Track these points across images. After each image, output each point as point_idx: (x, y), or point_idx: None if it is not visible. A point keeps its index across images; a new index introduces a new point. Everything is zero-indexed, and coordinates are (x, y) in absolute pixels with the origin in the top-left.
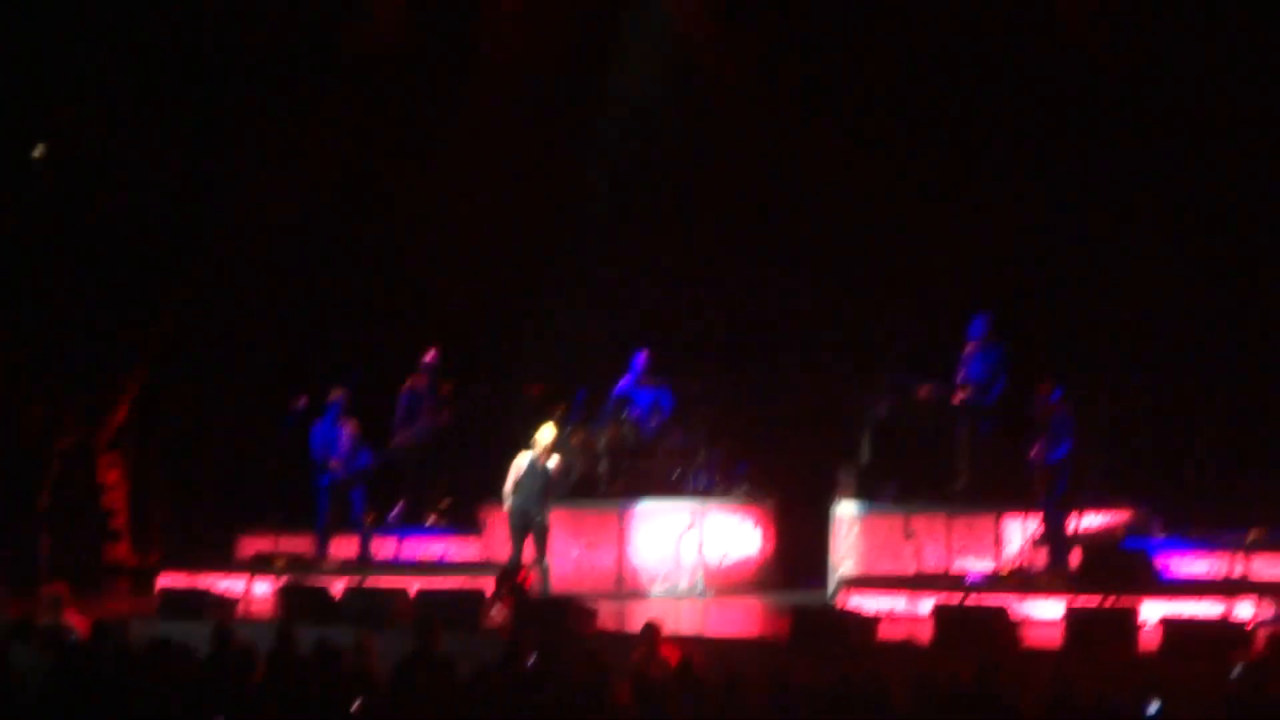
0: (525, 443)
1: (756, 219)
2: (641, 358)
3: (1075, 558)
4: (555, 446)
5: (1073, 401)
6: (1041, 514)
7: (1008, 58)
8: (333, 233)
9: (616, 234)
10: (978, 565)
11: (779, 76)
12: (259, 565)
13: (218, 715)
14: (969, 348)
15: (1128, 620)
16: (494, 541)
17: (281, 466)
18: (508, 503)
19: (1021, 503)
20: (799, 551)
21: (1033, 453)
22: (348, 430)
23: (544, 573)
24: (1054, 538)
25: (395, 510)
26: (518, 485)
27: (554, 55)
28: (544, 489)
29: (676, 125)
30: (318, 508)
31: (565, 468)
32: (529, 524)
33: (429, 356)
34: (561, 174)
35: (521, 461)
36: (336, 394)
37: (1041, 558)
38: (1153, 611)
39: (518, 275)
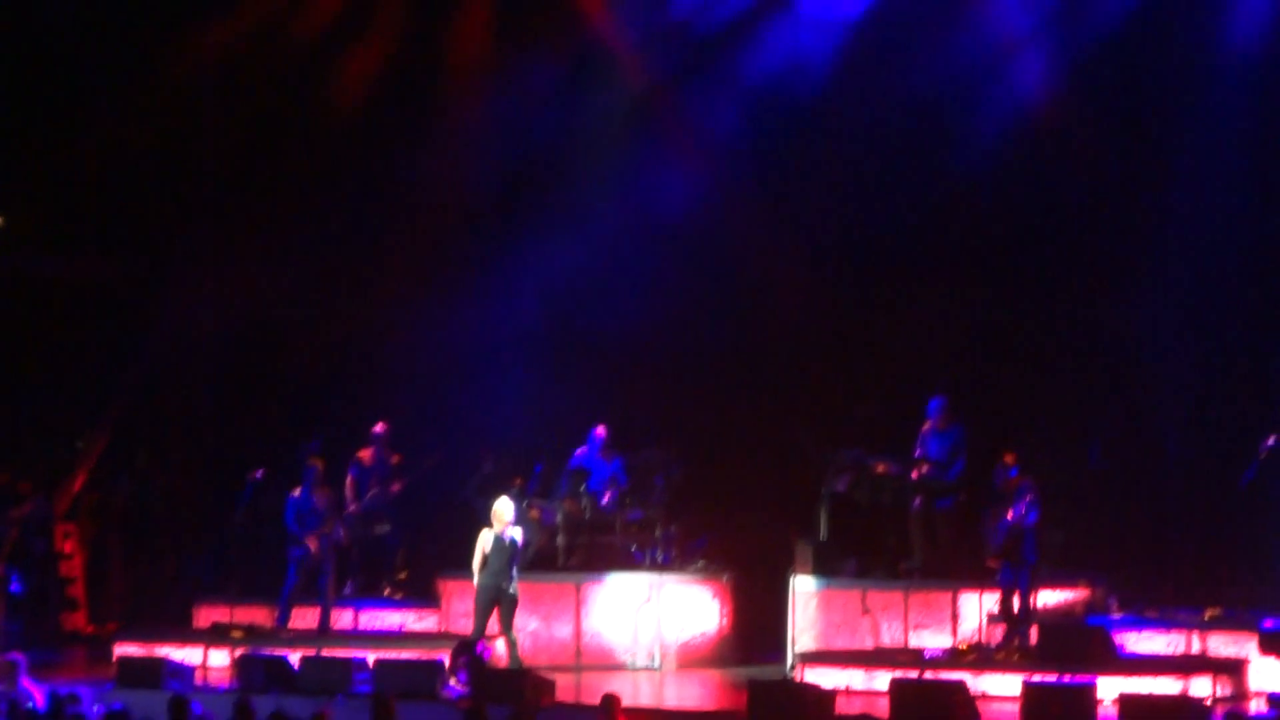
0: (482, 515)
1: (718, 295)
2: (599, 431)
3: (1033, 634)
4: (516, 518)
5: (1032, 475)
6: (1001, 590)
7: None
8: (289, 306)
9: (574, 307)
10: (935, 641)
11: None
12: (216, 635)
13: None
14: (927, 426)
15: (1085, 696)
16: (452, 613)
17: (238, 537)
18: (477, 579)
19: (978, 579)
20: (756, 626)
21: (1010, 515)
22: (323, 501)
23: (513, 644)
24: (1016, 612)
25: (347, 587)
26: (486, 562)
27: (506, 164)
28: (511, 561)
29: (636, 203)
30: (286, 577)
31: (524, 541)
32: (498, 598)
33: (377, 428)
34: (522, 250)
35: (486, 539)
36: (313, 463)
37: (1000, 633)
38: (1110, 688)
39: (475, 347)
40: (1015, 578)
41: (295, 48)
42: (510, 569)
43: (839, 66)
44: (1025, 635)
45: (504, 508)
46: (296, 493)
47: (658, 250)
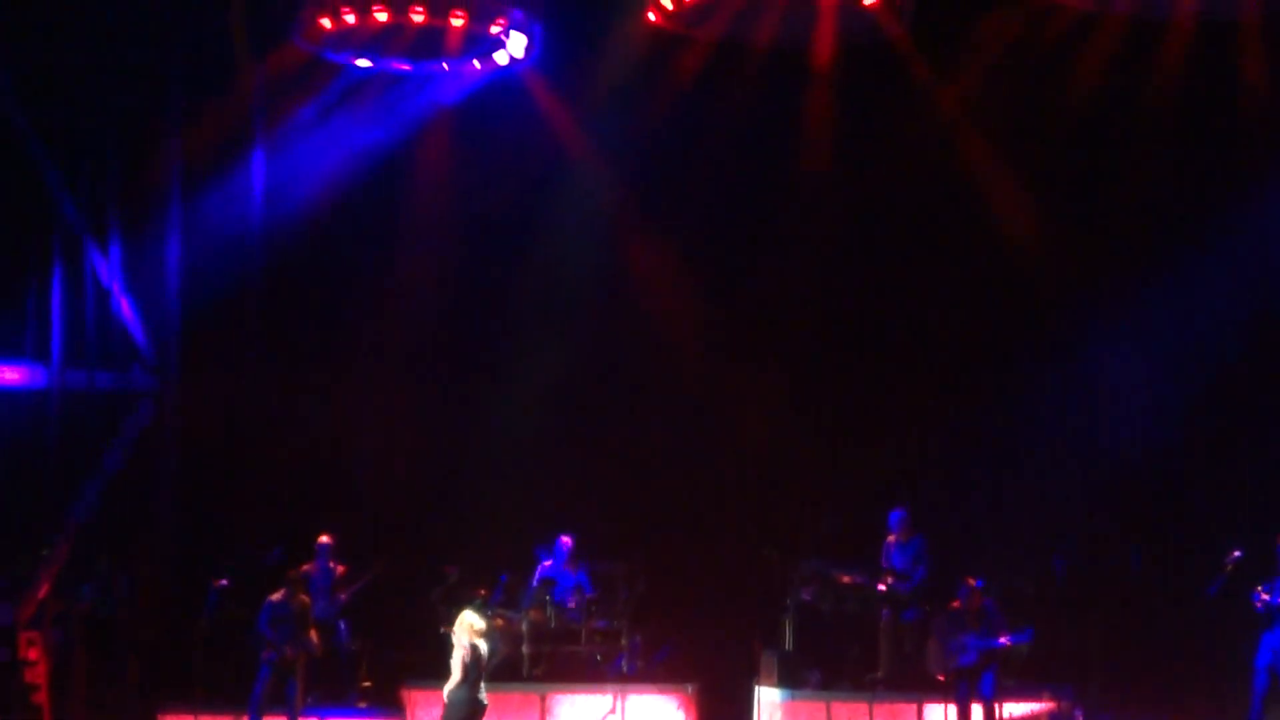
0: (445, 622)
1: (681, 406)
2: (565, 541)
3: None
4: (489, 631)
5: (995, 591)
6: (957, 704)
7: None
8: (254, 412)
9: (539, 414)
10: None
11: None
12: None
13: None
14: (890, 538)
15: None
16: None
17: (202, 644)
18: (452, 692)
19: (943, 690)
20: None
21: (981, 638)
22: (300, 608)
23: None
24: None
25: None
26: (466, 675)
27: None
28: (481, 674)
29: (598, 299)
30: (256, 680)
31: (489, 651)
32: (474, 712)
33: (322, 539)
34: (480, 352)
35: (465, 654)
36: (293, 573)
37: None
38: None
39: (439, 456)
40: (970, 695)
41: None
42: (481, 679)
43: None
44: None
45: (476, 620)
46: (277, 597)
47: (623, 360)
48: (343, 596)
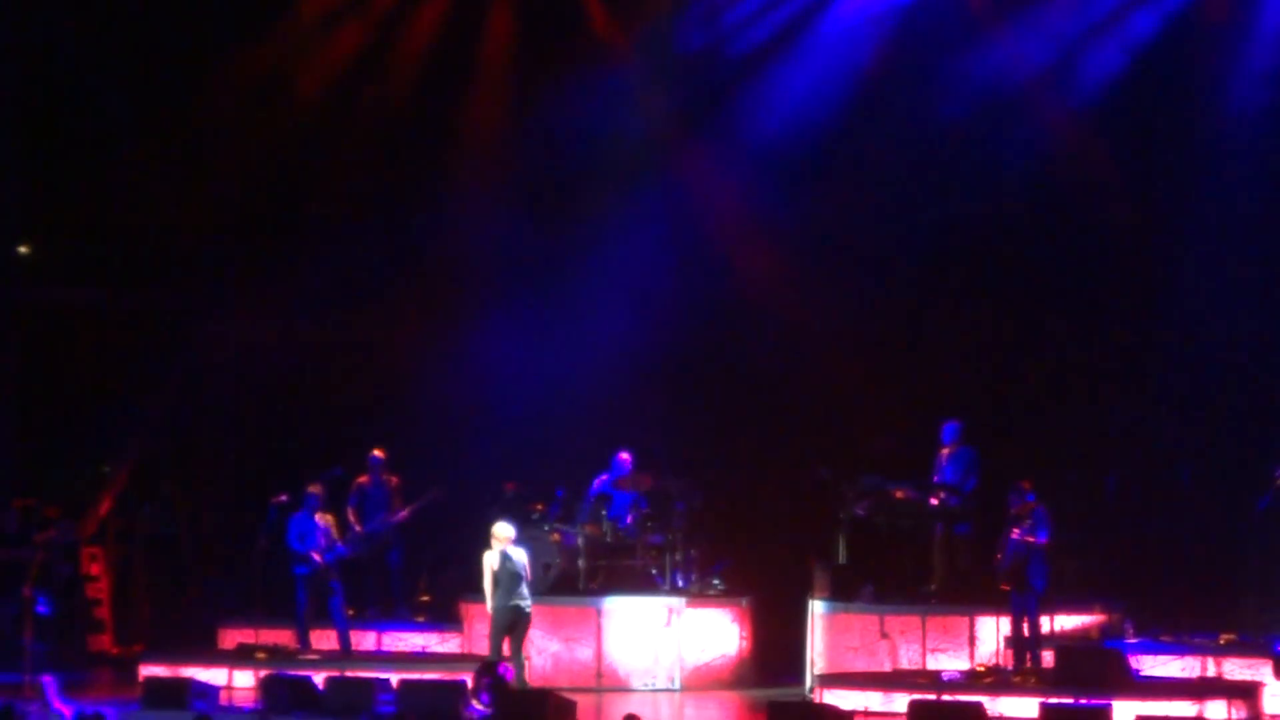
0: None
1: (739, 323)
2: (624, 456)
3: (1050, 657)
4: (521, 539)
5: (1048, 503)
6: (1012, 614)
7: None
8: (316, 335)
9: (595, 335)
10: (953, 663)
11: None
12: (241, 656)
13: None
14: (943, 452)
15: (1103, 718)
16: (474, 635)
17: (262, 559)
18: (491, 602)
19: (995, 603)
20: (775, 649)
21: (1015, 534)
22: (323, 523)
23: (519, 668)
24: (1027, 636)
25: (367, 610)
26: (497, 582)
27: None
28: (520, 580)
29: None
30: (297, 598)
31: (544, 565)
32: (516, 619)
33: (375, 454)
34: (541, 271)
35: (492, 559)
36: (314, 488)
37: (1014, 656)
38: (1126, 711)
39: (498, 375)
40: (1024, 603)
41: (323, 82)
42: (521, 588)
43: (860, 92)
44: (1037, 659)
45: (502, 529)
46: (298, 514)
47: (679, 280)
48: (403, 514)
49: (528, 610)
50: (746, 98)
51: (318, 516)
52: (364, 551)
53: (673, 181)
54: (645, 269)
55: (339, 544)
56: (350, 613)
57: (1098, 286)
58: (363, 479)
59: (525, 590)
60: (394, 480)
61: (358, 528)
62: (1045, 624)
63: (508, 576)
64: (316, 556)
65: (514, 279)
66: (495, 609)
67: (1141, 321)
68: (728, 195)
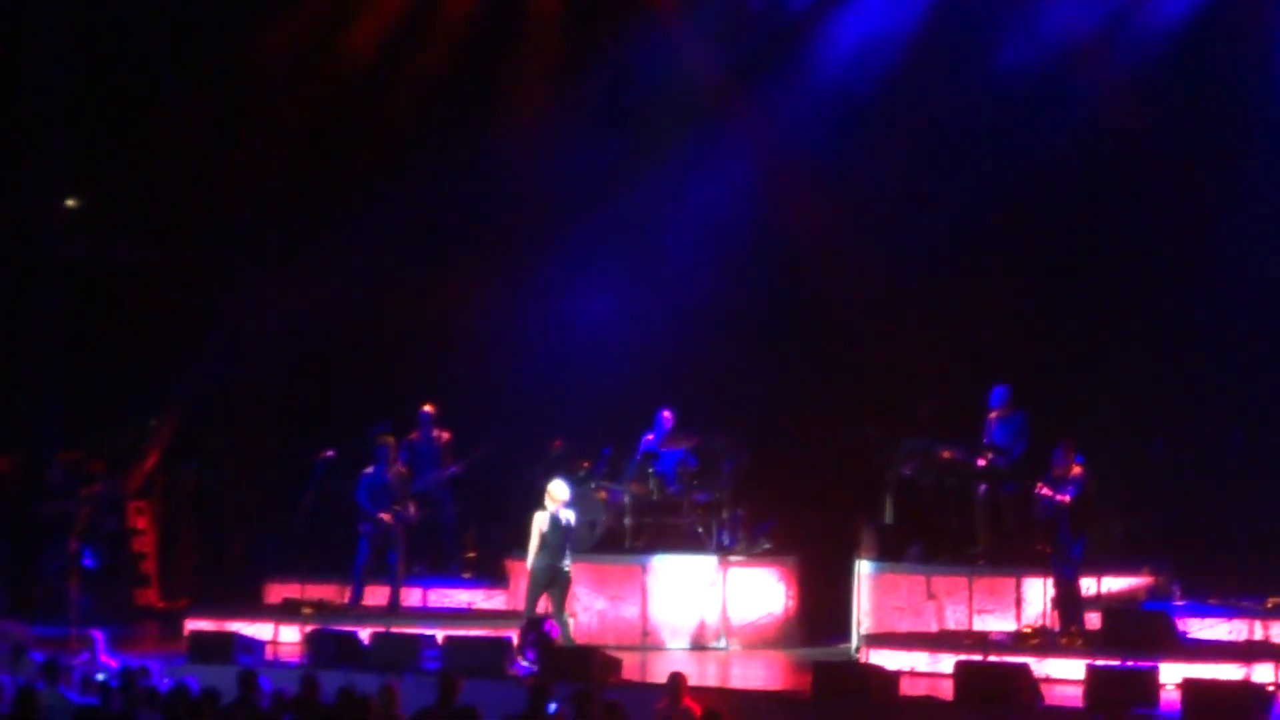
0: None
1: (786, 283)
2: (667, 414)
3: (1097, 619)
4: (574, 500)
5: (1093, 466)
6: (1053, 576)
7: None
8: (361, 291)
9: (644, 296)
10: (999, 625)
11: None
12: (287, 611)
13: None
14: (992, 414)
15: (1149, 680)
16: (520, 592)
17: (308, 515)
18: (533, 561)
19: (1042, 564)
20: (821, 609)
21: (1046, 491)
22: (397, 478)
23: (564, 625)
24: (1068, 597)
25: (416, 567)
26: (544, 542)
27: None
28: (565, 541)
29: (705, 191)
30: (357, 554)
31: (590, 522)
32: (555, 579)
33: (425, 409)
34: (586, 230)
35: (542, 520)
36: (385, 440)
37: (1057, 618)
38: (1173, 673)
39: (545, 333)
40: (1055, 565)
41: (364, 38)
42: (565, 549)
43: (905, 56)
44: (1079, 622)
45: (558, 488)
46: (370, 470)
47: (725, 239)
48: (453, 469)
49: (567, 571)
50: (812, 42)
51: (391, 472)
52: (418, 508)
53: (735, 129)
54: (704, 220)
55: (410, 503)
56: (405, 569)
57: (1151, 248)
58: (413, 435)
59: (568, 552)
60: (445, 436)
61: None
62: (1090, 587)
63: (556, 538)
64: (387, 518)
65: (559, 237)
66: (535, 568)
67: (1192, 282)
68: (787, 144)
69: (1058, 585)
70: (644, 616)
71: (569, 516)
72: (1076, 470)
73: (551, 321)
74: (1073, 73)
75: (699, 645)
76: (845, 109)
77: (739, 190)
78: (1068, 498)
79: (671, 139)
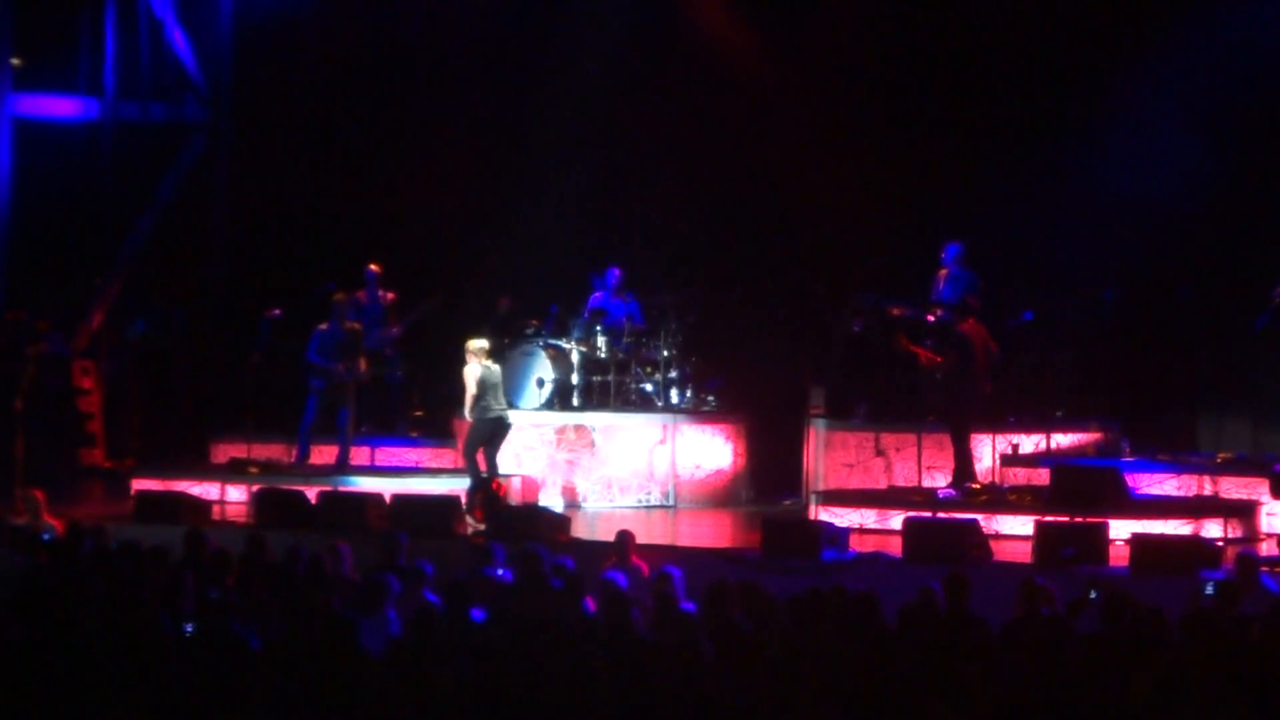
0: (498, 355)
1: (736, 137)
2: (615, 272)
3: (1045, 475)
4: (518, 356)
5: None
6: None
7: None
8: (308, 148)
9: (589, 147)
10: (948, 482)
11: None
12: (234, 470)
13: (189, 619)
14: (941, 273)
15: (1098, 535)
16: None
17: (255, 375)
18: (471, 412)
19: (991, 422)
20: (770, 467)
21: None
22: (351, 334)
23: (498, 475)
24: (960, 454)
25: (361, 426)
26: (481, 392)
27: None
28: (499, 393)
29: (651, 40)
30: (305, 411)
31: (538, 381)
32: (497, 430)
33: (371, 268)
34: (536, 88)
35: (474, 370)
36: (338, 297)
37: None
38: (1122, 529)
39: (488, 188)
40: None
41: None
42: (500, 399)
43: None
44: (971, 478)
45: (478, 344)
46: (324, 326)
47: (674, 88)
48: (396, 329)
49: (509, 422)
50: None
51: (345, 328)
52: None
53: None
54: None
55: (361, 359)
56: (355, 427)
57: (1097, 98)
58: (359, 294)
59: (504, 401)
60: (390, 296)
61: None
62: (1040, 443)
63: (490, 388)
64: (340, 367)
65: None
66: (476, 420)
67: (1143, 134)
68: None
69: (953, 442)
70: (591, 474)
71: (496, 368)
72: (964, 329)
73: (499, 175)
74: None
75: (647, 503)
76: None
77: (682, 33)
78: (942, 359)
79: None
